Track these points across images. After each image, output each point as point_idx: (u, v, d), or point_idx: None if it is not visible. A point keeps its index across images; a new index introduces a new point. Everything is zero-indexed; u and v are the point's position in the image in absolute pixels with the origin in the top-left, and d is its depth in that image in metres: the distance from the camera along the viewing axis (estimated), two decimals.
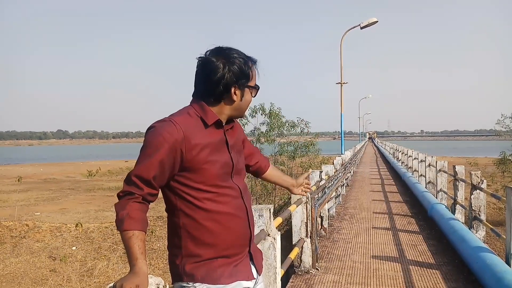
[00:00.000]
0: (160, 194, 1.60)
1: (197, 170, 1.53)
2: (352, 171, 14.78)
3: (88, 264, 7.59)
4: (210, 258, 1.55)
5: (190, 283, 1.53)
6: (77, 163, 42.27)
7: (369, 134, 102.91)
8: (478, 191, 6.17)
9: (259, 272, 1.73)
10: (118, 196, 1.48)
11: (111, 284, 1.29)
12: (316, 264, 4.80)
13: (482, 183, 6.14)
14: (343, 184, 10.48)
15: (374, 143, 68.62)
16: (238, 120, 1.78)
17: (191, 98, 1.67)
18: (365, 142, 55.56)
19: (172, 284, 1.59)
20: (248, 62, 1.60)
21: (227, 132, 1.66)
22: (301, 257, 4.62)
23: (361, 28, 16.73)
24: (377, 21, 16.73)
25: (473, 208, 6.22)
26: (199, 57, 1.60)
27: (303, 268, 4.63)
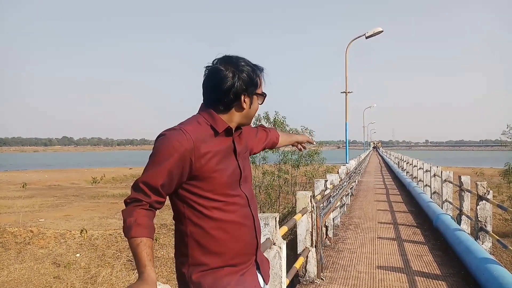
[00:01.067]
0: (167, 202, 1.60)
1: (206, 179, 1.53)
2: (356, 181, 14.74)
3: (92, 271, 7.58)
4: (217, 267, 1.54)
5: None
6: (82, 170, 42.39)
7: (374, 143, 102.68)
8: (484, 201, 6.13)
9: (265, 281, 1.72)
10: (125, 202, 1.49)
11: None
12: (321, 274, 4.77)
13: (488, 194, 6.10)
14: (348, 194, 10.44)
15: (378, 152, 68.42)
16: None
17: (200, 106, 1.69)
18: (370, 152, 55.41)
19: None
20: (256, 70, 1.63)
21: (235, 139, 1.67)
22: (306, 266, 4.60)
23: (366, 37, 16.79)
24: (382, 31, 16.78)
25: (479, 219, 6.17)
26: (207, 66, 1.62)
27: (308, 278, 4.61)
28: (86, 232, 9.66)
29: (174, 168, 1.47)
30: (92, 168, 45.38)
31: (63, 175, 34.38)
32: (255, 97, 1.64)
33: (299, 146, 2.34)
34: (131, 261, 7.96)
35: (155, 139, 1.56)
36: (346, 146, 18.51)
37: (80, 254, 8.57)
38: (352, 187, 11.95)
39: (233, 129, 1.64)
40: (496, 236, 5.70)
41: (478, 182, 6.29)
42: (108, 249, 8.82)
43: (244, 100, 1.60)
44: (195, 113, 1.66)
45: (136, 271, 7.59)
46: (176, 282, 1.63)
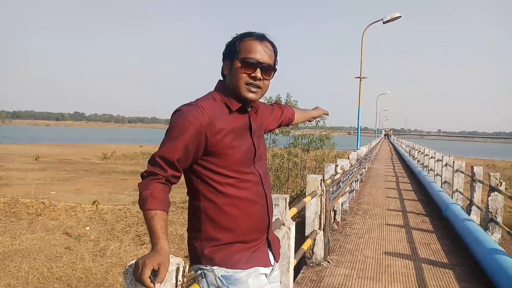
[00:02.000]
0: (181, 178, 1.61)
1: (220, 155, 1.54)
2: (366, 167, 14.68)
3: (101, 244, 7.70)
4: (228, 242, 1.56)
5: (208, 266, 1.54)
6: (93, 145, 42.75)
7: (385, 131, 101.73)
8: (496, 193, 6.08)
9: (276, 260, 1.73)
10: (142, 176, 1.49)
11: (133, 262, 1.30)
12: (328, 257, 4.80)
13: (500, 185, 6.04)
14: (358, 180, 10.42)
15: (390, 140, 67.96)
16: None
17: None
18: (381, 139, 55.03)
19: (190, 266, 1.60)
20: (243, 36, 1.61)
21: (252, 117, 1.66)
22: (313, 249, 4.62)
23: (384, 23, 16.41)
24: (400, 16, 16.42)
25: (490, 210, 6.13)
26: None
27: (314, 260, 4.63)
28: (98, 203, 9.84)
29: (190, 143, 1.48)
30: (103, 144, 45.77)
31: (74, 150, 34.77)
32: (236, 61, 1.58)
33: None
34: (140, 236, 8.08)
35: (171, 114, 1.56)
36: (358, 132, 18.32)
37: (90, 227, 8.71)
38: (362, 173, 11.92)
39: (249, 107, 1.64)
40: (506, 228, 5.67)
41: (491, 173, 6.23)
42: (117, 224, 8.95)
43: (227, 66, 1.63)
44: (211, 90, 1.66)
45: (144, 246, 7.68)
46: (185, 257, 1.64)
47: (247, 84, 1.57)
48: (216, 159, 1.54)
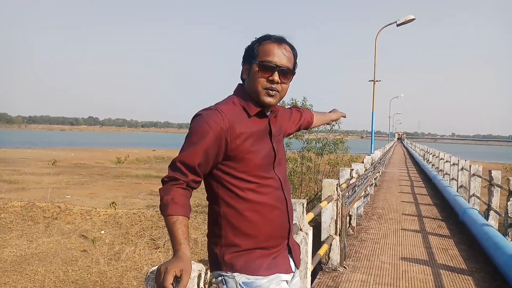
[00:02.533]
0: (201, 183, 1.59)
1: (240, 160, 1.52)
2: (381, 171, 14.54)
3: (116, 248, 7.74)
4: (249, 248, 1.54)
5: (228, 272, 1.53)
6: (107, 150, 43.09)
7: (398, 134, 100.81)
8: None
9: (297, 266, 1.71)
10: (163, 181, 1.49)
11: (154, 268, 1.29)
12: (344, 262, 4.75)
13: None
14: (372, 184, 10.32)
15: (403, 144, 67.35)
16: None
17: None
18: (394, 143, 54.57)
19: (210, 272, 1.58)
20: (262, 39, 1.59)
21: (271, 121, 1.64)
22: (329, 254, 4.58)
23: (398, 25, 16.27)
24: (414, 19, 16.25)
25: (509, 215, 6.01)
26: None
27: (330, 266, 4.59)
28: (116, 204, 9.93)
29: (210, 147, 1.47)
30: (116, 149, 46.14)
31: (89, 154, 35.13)
32: (254, 65, 1.56)
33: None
34: (154, 240, 8.10)
35: (191, 119, 1.55)
36: (371, 135, 18.14)
37: (105, 231, 8.77)
38: (376, 178, 11.81)
39: (268, 112, 1.62)
40: None
41: (510, 178, 6.11)
42: (132, 228, 8.99)
43: (246, 70, 1.62)
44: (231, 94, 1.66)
45: (158, 250, 7.68)
46: (199, 261, 1.63)
47: (265, 88, 1.55)
48: (236, 164, 1.53)
